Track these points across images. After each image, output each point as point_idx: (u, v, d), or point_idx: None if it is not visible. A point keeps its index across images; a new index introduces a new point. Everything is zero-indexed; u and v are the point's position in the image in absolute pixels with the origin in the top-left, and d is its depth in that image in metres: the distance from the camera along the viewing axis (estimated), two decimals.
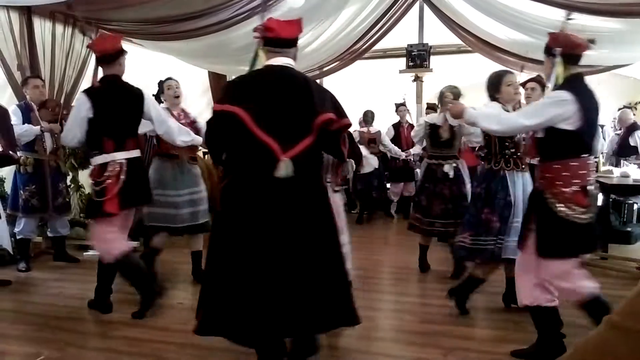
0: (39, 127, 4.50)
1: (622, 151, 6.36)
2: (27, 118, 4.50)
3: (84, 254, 5.04)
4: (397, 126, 6.98)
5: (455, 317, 3.35)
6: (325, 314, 2.29)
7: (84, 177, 5.20)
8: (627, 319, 0.71)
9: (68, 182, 5.21)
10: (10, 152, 4.03)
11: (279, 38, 2.43)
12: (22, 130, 4.40)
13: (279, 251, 2.23)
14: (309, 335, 2.49)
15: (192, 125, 4.03)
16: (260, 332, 2.28)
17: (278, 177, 2.23)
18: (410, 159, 6.68)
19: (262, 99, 2.31)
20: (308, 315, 2.25)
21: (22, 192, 4.52)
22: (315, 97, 2.34)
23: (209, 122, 2.43)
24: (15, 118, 4.41)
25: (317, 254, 2.29)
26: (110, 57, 3.32)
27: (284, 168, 2.24)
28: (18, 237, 4.60)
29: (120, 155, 3.29)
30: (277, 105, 2.31)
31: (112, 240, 3.33)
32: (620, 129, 6.64)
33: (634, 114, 6.60)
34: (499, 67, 6.44)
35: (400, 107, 6.95)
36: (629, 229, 4.88)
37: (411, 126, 6.74)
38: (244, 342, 2.48)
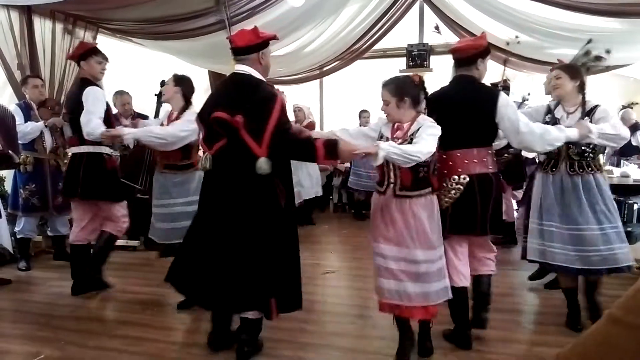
0: (42, 122, 4.52)
1: (624, 151, 6.34)
2: (27, 117, 4.52)
3: None
4: None
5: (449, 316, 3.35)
6: (241, 296, 2.63)
7: None
8: (629, 314, 0.71)
9: None
10: (10, 151, 4.02)
11: (235, 47, 2.76)
12: (27, 128, 4.43)
13: (218, 234, 2.66)
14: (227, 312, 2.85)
15: None
16: (197, 297, 2.81)
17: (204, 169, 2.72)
18: None
19: (208, 102, 2.81)
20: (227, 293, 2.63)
21: (22, 191, 4.53)
22: (229, 99, 2.64)
23: None
24: (17, 118, 4.42)
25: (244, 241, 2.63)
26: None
27: (200, 163, 2.74)
28: (18, 237, 4.60)
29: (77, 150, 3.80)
30: (208, 107, 2.74)
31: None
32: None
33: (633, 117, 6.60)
34: (499, 67, 6.47)
35: None
36: (629, 229, 4.87)
37: None
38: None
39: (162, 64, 6.34)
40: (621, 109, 6.71)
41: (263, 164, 2.52)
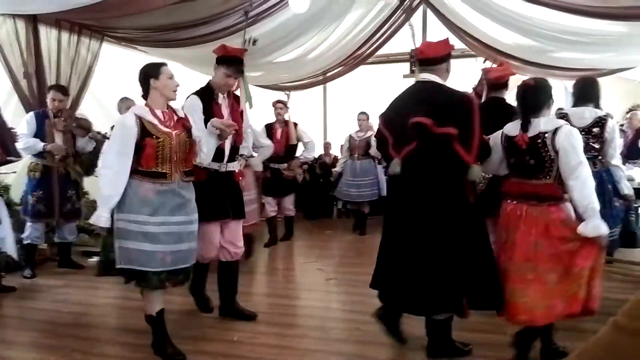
0: (42, 144, 4.55)
1: (631, 154, 6.30)
2: (40, 125, 4.57)
3: (89, 260, 5.06)
4: None
5: (461, 322, 3.32)
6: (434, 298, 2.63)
7: (89, 183, 5.23)
8: (634, 321, 0.71)
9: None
10: (8, 157, 4.06)
11: (425, 58, 2.89)
12: (27, 144, 4.48)
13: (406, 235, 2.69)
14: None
15: None
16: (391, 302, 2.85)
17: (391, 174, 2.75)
18: None
19: (392, 107, 2.88)
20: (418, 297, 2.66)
21: (30, 197, 4.58)
22: (426, 105, 2.61)
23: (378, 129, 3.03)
24: (26, 127, 4.50)
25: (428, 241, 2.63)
26: None
27: (391, 167, 2.71)
28: (25, 243, 4.63)
29: None
30: (399, 112, 2.75)
31: None
32: (627, 132, 6.60)
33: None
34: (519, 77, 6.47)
35: None
36: (635, 232, 4.84)
37: None
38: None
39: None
40: (627, 112, 6.66)
41: (476, 171, 2.58)
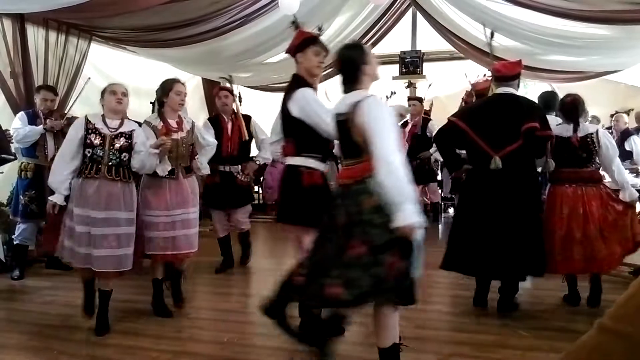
0: (41, 126, 4.53)
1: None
2: (31, 124, 4.54)
3: None
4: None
5: (451, 322, 3.36)
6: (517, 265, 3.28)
7: None
8: (619, 323, 0.72)
9: None
10: (3, 155, 4.04)
11: (503, 75, 3.52)
12: (25, 131, 4.46)
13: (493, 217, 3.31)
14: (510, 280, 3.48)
15: None
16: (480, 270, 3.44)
17: (492, 169, 3.29)
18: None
19: (477, 114, 3.51)
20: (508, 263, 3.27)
21: (21, 197, 4.53)
22: (523, 111, 3.34)
23: (440, 129, 3.69)
24: (20, 122, 4.49)
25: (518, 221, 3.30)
26: None
27: (493, 163, 3.28)
28: (15, 243, 4.58)
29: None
30: (491, 118, 3.38)
31: None
32: (612, 134, 6.69)
33: (627, 121, 6.65)
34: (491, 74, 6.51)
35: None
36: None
37: (414, 126, 6.34)
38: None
39: (155, 72, 6.34)
40: (612, 115, 6.76)
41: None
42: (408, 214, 2.11)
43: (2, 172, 4.81)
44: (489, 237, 3.28)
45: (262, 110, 8.25)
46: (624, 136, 6.41)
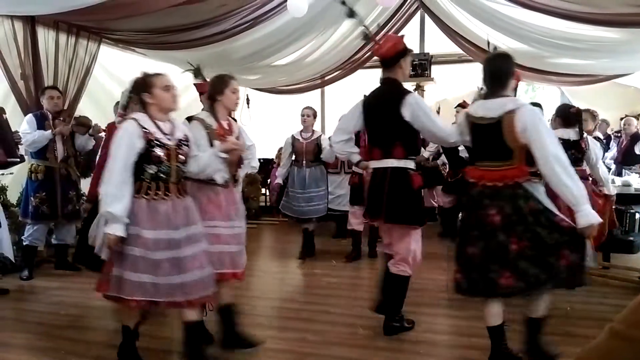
0: (50, 131, 4.56)
1: (626, 160, 6.34)
2: (41, 127, 4.56)
3: None
4: None
5: (456, 326, 3.35)
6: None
7: (86, 185, 5.22)
8: (631, 328, 0.71)
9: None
10: (9, 159, 4.07)
11: None
12: (33, 137, 4.48)
13: None
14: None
15: None
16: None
17: None
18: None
19: None
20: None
21: (32, 199, 4.56)
22: None
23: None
24: (28, 126, 4.50)
25: None
26: None
27: None
28: (25, 244, 4.61)
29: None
30: None
31: None
32: (621, 137, 6.65)
33: (637, 124, 6.60)
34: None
35: None
36: (631, 239, 4.86)
37: None
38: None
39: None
40: (622, 118, 6.71)
41: None
42: (587, 213, 2.36)
43: (12, 173, 4.86)
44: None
45: (269, 111, 8.30)
46: (633, 140, 6.37)
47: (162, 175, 2.55)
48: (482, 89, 2.88)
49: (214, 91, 2.97)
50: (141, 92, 2.57)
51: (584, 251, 2.43)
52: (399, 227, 3.12)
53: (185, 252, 2.54)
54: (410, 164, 3.10)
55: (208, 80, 3.25)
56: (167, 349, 3.06)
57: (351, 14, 3.36)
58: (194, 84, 3.87)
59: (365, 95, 3.30)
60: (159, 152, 2.52)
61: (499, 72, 2.62)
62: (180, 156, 2.62)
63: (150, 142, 2.50)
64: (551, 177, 2.40)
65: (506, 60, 2.67)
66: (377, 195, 3.10)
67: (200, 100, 3.65)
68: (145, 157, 2.51)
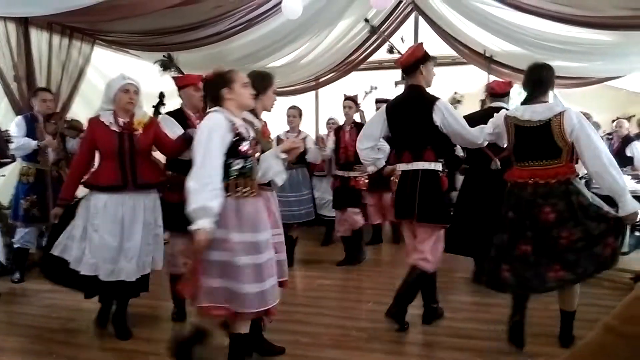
0: (35, 142, 4.49)
1: (618, 162, 6.38)
2: (31, 129, 4.50)
3: None
4: None
5: (456, 328, 3.35)
6: None
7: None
8: (625, 324, 0.72)
9: None
10: (1, 160, 4.05)
11: (494, 92, 4.22)
12: (18, 144, 4.44)
13: None
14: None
15: None
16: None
17: (493, 169, 3.30)
18: None
19: (480, 124, 3.28)
20: None
21: (22, 201, 4.51)
22: None
23: None
24: (16, 129, 4.44)
25: None
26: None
27: (494, 165, 3.34)
28: (15, 246, 4.58)
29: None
30: None
31: None
32: (612, 139, 6.68)
33: (628, 127, 6.64)
34: (491, 79, 6.51)
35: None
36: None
37: None
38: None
39: (158, 76, 6.35)
40: (614, 121, 6.75)
41: None
42: (630, 202, 2.65)
43: (3, 175, 4.83)
44: (486, 231, 3.22)
45: (264, 113, 8.26)
46: (625, 142, 6.41)
47: (246, 171, 2.46)
48: (456, 93, 3.11)
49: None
50: (221, 87, 2.47)
51: (624, 236, 2.75)
52: (427, 226, 3.23)
53: (263, 257, 2.43)
54: (438, 167, 3.24)
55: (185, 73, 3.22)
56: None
57: (373, 30, 3.55)
58: (173, 78, 3.62)
59: (387, 102, 3.53)
60: (245, 146, 2.43)
61: (542, 80, 2.90)
62: (256, 152, 2.55)
63: (238, 135, 2.41)
64: (600, 171, 2.69)
65: (548, 70, 2.94)
66: (408, 197, 3.21)
67: (179, 96, 3.53)
68: (232, 152, 2.40)
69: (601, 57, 5.86)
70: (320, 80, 7.58)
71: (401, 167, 3.29)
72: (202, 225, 2.24)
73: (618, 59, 5.83)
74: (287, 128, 5.17)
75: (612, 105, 7.13)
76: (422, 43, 3.47)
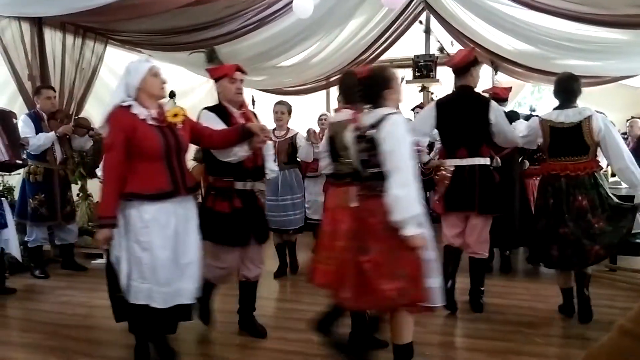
0: (53, 132, 4.54)
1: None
2: (37, 127, 4.55)
3: (92, 262, 5.07)
4: None
5: (465, 329, 3.34)
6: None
7: (92, 186, 5.25)
8: None
9: (76, 191, 5.27)
10: (17, 160, 4.07)
11: (497, 98, 4.42)
12: (39, 141, 4.47)
13: None
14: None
15: None
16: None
17: (494, 166, 3.62)
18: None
19: None
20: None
21: (30, 200, 4.55)
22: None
23: None
24: (28, 129, 4.47)
25: None
26: None
27: (495, 162, 3.68)
28: (30, 246, 4.63)
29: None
30: None
31: None
32: (627, 139, 6.61)
33: None
34: (506, 78, 6.46)
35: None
36: (637, 241, 4.83)
37: None
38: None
39: (170, 75, 6.39)
40: (629, 119, 6.68)
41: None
42: None
43: (19, 174, 4.88)
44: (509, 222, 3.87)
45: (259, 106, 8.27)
46: (639, 142, 6.34)
47: None
48: (432, 93, 3.44)
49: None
50: (384, 87, 2.41)
51: (634, 219, 3.23)
52: (485, 217, 3.47)
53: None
54: (488, 161, 3.49)
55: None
56: None
57: (427, 30, 3.82)
58: (207, 70, 3.37)
59: (438, 99, 3.76)
60: None
61: (573, 90, 3.35)
62: None
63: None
64: (623, 168, 3.23)
65: (576, 81, 3.39)
66: (467, 190, 3.41)
67: (216, 90, 3.23)
68: None
69: (615, 56, 5.79)
70: (331, 79, 7.57)
71: (455, 162, 3.46)
72: (420, 230, 2.29)
73: (632, 58, 5.76)
74: (274, 125, 4.69)
75: (626, 104, 7.06)
76: (473, 48, 3.89)
